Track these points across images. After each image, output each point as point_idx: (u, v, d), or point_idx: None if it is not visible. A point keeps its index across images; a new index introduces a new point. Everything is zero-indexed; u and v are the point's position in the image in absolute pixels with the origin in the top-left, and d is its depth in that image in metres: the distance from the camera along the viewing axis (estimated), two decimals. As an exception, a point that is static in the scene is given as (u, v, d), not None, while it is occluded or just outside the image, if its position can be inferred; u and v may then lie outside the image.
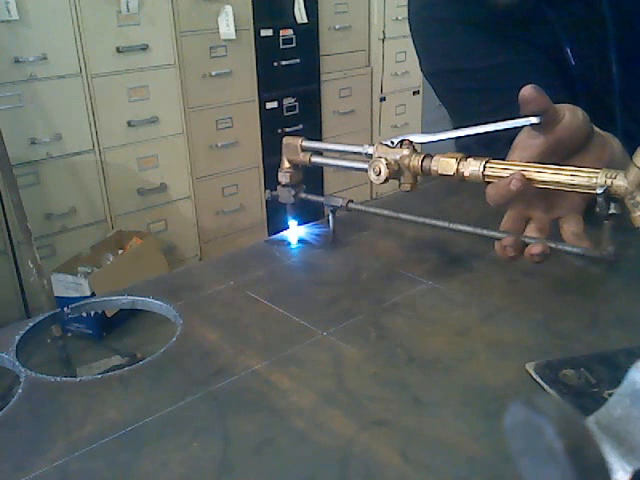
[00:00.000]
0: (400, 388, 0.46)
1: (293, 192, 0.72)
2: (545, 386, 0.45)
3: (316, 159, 0.69)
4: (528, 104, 0.54)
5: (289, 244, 0.73)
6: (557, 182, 0.52)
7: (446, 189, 0.85)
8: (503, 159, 0.57)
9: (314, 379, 0.48)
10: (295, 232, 0.75)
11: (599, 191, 0.49)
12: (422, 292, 0.61)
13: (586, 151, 0.57)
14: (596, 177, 0.49)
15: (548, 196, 0.55)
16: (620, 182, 0.48)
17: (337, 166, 0.69)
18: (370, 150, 0.63)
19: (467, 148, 0.74)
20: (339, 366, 0.49)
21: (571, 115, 0.55)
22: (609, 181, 0.49)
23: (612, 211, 0.49)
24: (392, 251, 0.71)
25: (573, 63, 0.76)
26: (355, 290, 0.62)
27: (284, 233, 0.75)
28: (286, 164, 0.71)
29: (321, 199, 0.72)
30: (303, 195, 0.73)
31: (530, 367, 0.47)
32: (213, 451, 0.41)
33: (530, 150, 0.56)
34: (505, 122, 0.55)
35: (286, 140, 0.71)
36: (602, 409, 0.37)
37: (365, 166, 0.63)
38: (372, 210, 0.69)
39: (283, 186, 0.72)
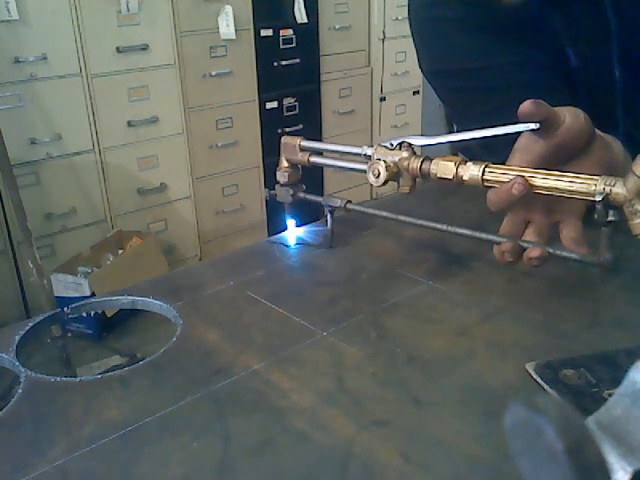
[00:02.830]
0: (400, 388, 0.46)
1: (291, 191, 0.72)
2: (545, 386, 0.45)
3: (315, 159, 0.69)
4: (529, 119, 0.54)
5: (289, 244, 0.73)
6: (556, 188, 0.52)
7: (445, 189, 0.85)
8: (503, 160, 0.57)
9: (314, 379, 0.48)
10: (295, 232, 0.75)
11: (598, 198, 0.49)
12: (422, 292, 0.61)
13: (588, 154, 0.57)
14: (595, 184, 0.49)
15: (548, 200, 0.55)
16: (619, 190, 0.48)
17: (335, 166, 0.69)
18: (369, 151, 0.63)
19: (467, 148, 0.74)
20: (339, 366, 0.49)
21: (572, 118, 0.55)
22: (608, 188, 0.49)
23: (611, 218, 0.49)
24: (392, 251, 0.71)
25: (574, 64, 0.76)
26: (355, 290, 0.62)
27: (284, 233, 0.75)
28: (284, 163, 0.71)
29: (320, 199, 0.72)
30: (301, 195, 0.73)
31: (530, 367, 0.47)
32: (213, 451, 0.41)
33: (531, 154, 0.56)
34: (504, 127, 0.55)
35: (284, 139, 0.71)
36: (602, 409, 0.37)
37: (364, 167, 0.63)
38: (371, 211, 0.69)
39: (281, 185, 0.72)
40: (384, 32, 3.09)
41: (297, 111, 2.84)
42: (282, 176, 0.72)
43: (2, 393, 1.59)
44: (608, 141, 0.59)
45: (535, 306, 0.57)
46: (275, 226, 2.69)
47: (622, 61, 0.73)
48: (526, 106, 0.53)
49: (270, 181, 0.72)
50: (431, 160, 0.59)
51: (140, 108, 2.33)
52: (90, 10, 2.13)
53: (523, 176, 0.53)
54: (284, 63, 2.72)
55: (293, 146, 0.70)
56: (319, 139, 2.86)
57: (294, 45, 2.73)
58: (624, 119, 0.76)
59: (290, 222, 0.75)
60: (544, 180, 0.52)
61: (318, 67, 2.88)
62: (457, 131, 0.61)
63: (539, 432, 0.22)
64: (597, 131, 0.58)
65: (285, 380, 0.48)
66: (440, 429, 0.42)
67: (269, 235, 2.61)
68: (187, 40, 2.40)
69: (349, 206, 0.69)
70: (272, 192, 0.74)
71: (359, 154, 0.64)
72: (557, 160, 0.56)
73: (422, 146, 0.61)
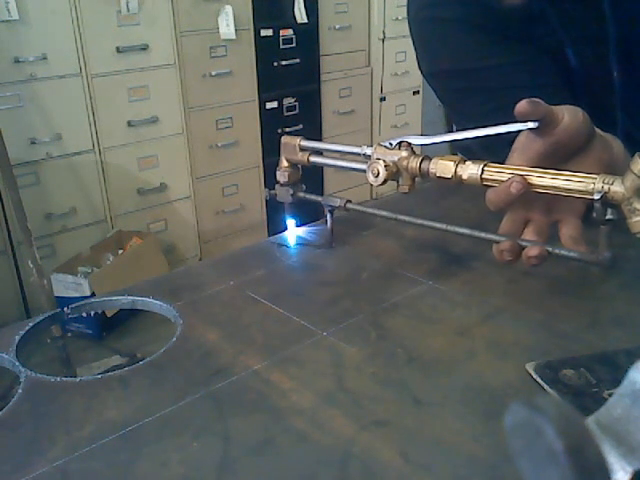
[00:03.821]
0: (400, 388, 0.46)
1: (291, 191, 0.72)
2: (545, 386, 0.45)
3: (314, 159, 0.69)
4: (525, 118, 0.54)
5: (289, 244, 0.73)
6: (554, 187, 0.52)
7: (445, 189, 0.85)
8: (503, 160, 0.57)
9: (314, 379, 0.48)
10: (295, 232, 0.75)
11: (596, 197, 0.49)
12: (422, 292, 0.61)
13: (587, 152, 0.57)
14: (593, 183, 0.49)
15: (547, 199, 0.55)
16: (617, 188, 0.48)
17: (335, 166, 0.69)
18: (368, 151, 0.63)
19: (466, 149, 0.74)
20: (339, 366, 0.49)
21: (570, 116, 0.55)
22: (606, 187, 0.49)
23: (609, 216, 0.49)
24: (392, 251, 0.71)
25: (573, 64, 0.76)
26: (355, 290, 0.62)
27: (284, 233, 0.75)
28: (284, 163, 0.72)
29: (319, 199, 0.72)
30: (301, 194, 0.73)
31: (530, 367, 0.47)
32: (213, 451, 0.41)
33: (529, 152, 0.56)
34: (503, 126, 0.55)
35: (284, 139, 0.71)
36: (602, 409, 0.37)
37: (363, 167, 0.63)
38: (370, 211, 0.69)
39: (281, 185, 0.72)
40: (384, 32, 3.09)
41: (297, 111, 2.84)
42: (282, 176, 0.72)
43: (2, 393, 1.59)
44: (608, 140, 0.59)
45: (535, 306, 0.57)
46: (275, 226, 2.69)
47: (620, 61, 0.73)
48: (522, 105, 0.53)
49: (270, 181, 0.72)
50: (430, 159, 0.59)
51: (140, 108, 2.33)
52: (90, 10, 2.14)
53: (521, 175, 0.53)
54: (284, 63, 2.72)
55: (293, 146, 0.70)
56: (319, 139, 2.86)
57: (294, 45, 2.73)
58: (623, 118, 0.76)
59: (290, 222, 0.75)
60: (543, 179, 0.52)
61: (318, 67, 2.88)
62: (456, 131, 0.61)
63: (539, 432, 0.22)
64: (597, 130, 0.58)
65: (285, 380, 0.48)
66: (440, 429, 0.42)
67: (269, 235, 2.62)
68: (187, 40, 2.40)
69: (349, 206, 0.69)
70: (272, 192, 0.74)
71: (359, 154, 0.64)
72: (556, 158, 0.56)
73: (421, 145, 0.62)
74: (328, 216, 0.71)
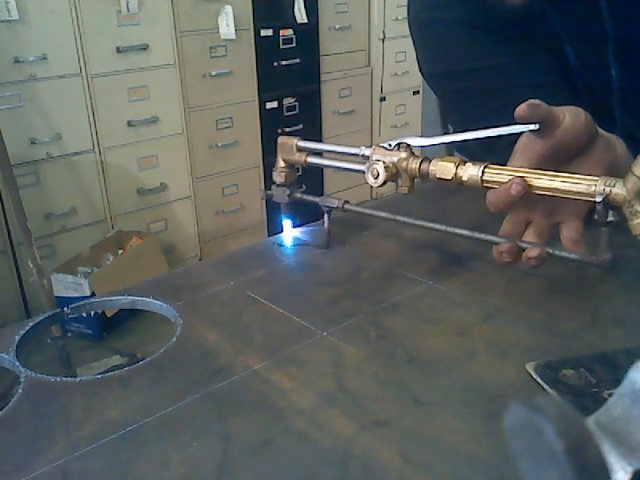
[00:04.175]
0: (400, 388, 0.46)
1: (288, 192, 0.72)
2: (545, 386, 0.45)
3: (312, 159, 0.69)
4: (525, 120, 0.54)
5: (288, 244, 0.73)
6: (555, 189, 0.52)
7: (446, 189, 0.85)
8: (503, 162, 0.57)
9: (314, 379, 0.48)
10: (294, 232, 0.75)
11: (598, 199, 0.49)
12: (422, 292, 0.61)
13: (589, 153, 0.57)
14: (595, 185, 0.49)
15: (549, 201, 0.55)
16: (619, 190, 0.48)
17: (333, 167, 0.69)
18: (367, 152, 0.63)
19: (467, 150, 0.74)
20: (339, 366, 0.49)
21: (572, 117, 0.55)
22: (608, 189, 0.49)
23: (610, 218, 0.50)
24: (392, 251, 0.71)
25: (573, 63, 0.76)
26: (355, 290, 0.62)
27: (284, 233, 0.75)
28: (281, 164, 0.71)
29: (316, 200, 0.71)
30: (298, 195, 0.73)
31: (530, 367, 0.47)
32: (213, 451, 0.41)
33: (531, 153, 0.56)
34: (503, 128, 0.55)
35: (281, 140, 0.71)
36: (602, 409, 0.37)
37: (362, 167, 0.63)
38: (368, 212, 0.69)
39: (278, 186, 0.72)
40: (384, 32, 3.09)
41: (297, 111, 2.84)
42: (279, 176, 0.71)
43: (2, 393, 1.59)
44: (611, 141, 0.59)
45: (535, 306, 0.57)
46: (275, 226, 2.69)
47: (619, 59, 0.73)
48: (522, 109, 0.53)
49: (270, 181, 0.72)
50: (430, 161, 0.59)
51: (140, 108, 2.33)
52: (90, 10, 2.13)
53: (522, 176, 0.53)
54: (284, 63, 2.72)
55: (290, 146, 0.70)
56: (319, 139, 2.86)
57: (294, 45, 2.73)
58: (622, 117, 0.76)
59: (286, 222, 0.74)
60: (543, 180, 0.52)
61: (318, 67, 2.88)
62: (454, 132, 0.61)
63: (539, 432, 0.22)
64: (600, 131, 0.57)
65: (285, 380, 0.48)
66: (440, 429, 0.42)
67: (269, 235, 2.62)
68: (187, 40, 2.40)
69: (347, 207, 0.69)
70: (269, 192, 0.74)
71: (357, 155, 0.64)
72: (557, 160, 0.56)
73: (420, 147, 0.61)
74: (325, 217, 0.71)
